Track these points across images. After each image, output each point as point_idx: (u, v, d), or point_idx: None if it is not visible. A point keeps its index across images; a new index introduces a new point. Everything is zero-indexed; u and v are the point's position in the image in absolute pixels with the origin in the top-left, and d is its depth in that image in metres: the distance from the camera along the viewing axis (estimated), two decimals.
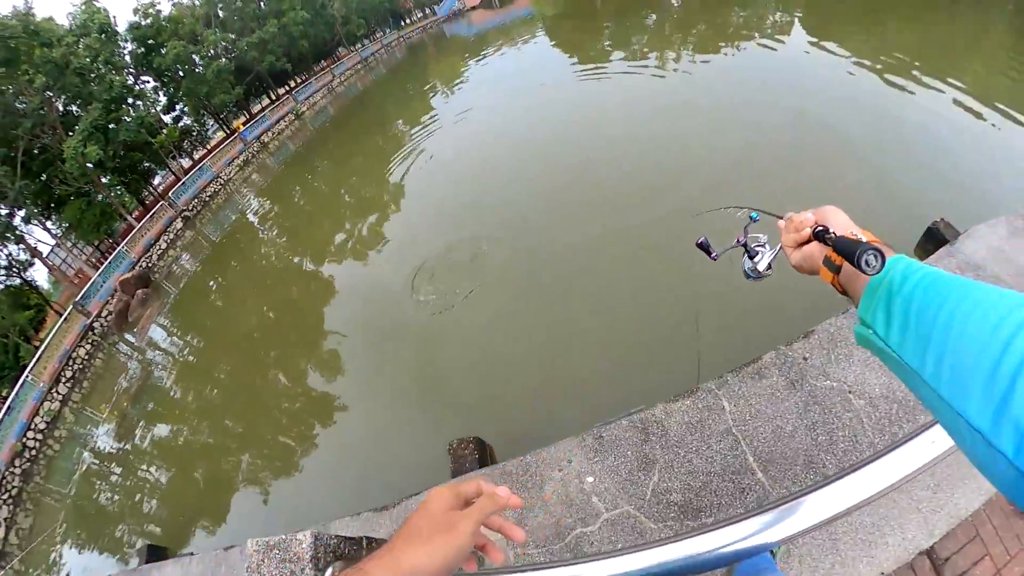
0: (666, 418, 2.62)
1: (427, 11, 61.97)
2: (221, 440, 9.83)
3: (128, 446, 11.58)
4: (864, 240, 0.75)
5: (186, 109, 28.61)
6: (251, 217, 19.95)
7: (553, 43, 23.92)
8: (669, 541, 0.99)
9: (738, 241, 1.08)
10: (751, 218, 1.09)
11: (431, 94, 23.44)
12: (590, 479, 2.43)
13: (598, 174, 10.97)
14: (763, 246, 1.04)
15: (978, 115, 9.76)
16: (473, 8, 57.09)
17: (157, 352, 14.69)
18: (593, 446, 2.54)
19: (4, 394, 16.38)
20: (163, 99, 28.03)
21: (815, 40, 15.45)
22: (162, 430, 11.33)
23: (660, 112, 12.96)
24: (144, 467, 10.69)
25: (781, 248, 0.94)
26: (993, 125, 9.38)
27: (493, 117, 16.76)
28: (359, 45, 48.28)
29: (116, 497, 10.53)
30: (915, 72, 11.74)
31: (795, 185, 8.59)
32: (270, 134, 28.05)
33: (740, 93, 12.97)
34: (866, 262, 0.64)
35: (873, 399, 2.71)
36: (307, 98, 33.54)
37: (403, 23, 60.83)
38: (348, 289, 11.38)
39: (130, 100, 23.65)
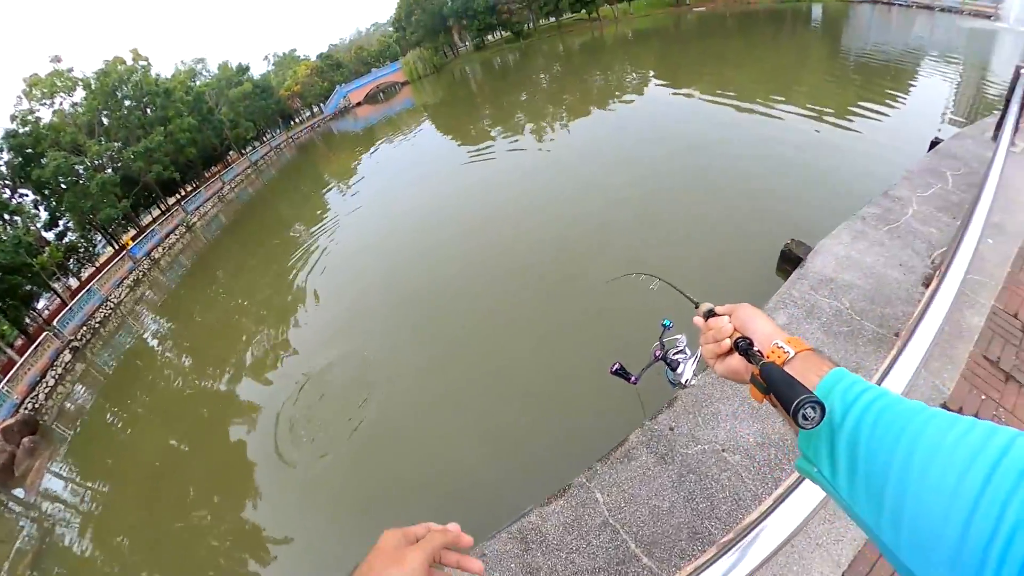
0: (542, 523, 2.55)
1: (314, 110, 63.81)
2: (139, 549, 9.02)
3: None
4: (791, 355, 0.71)
5: (70, 224, 26.74)
6: (149, 340, 18.86)
7: (438, 129, 25.53)
8: None
9: (656, 356, 1.04)
10: (663, 326, 1.05)
11: (325, 191, 23.87)
12: None
13: (492, 257, 11.63)
14: (683, 351, 1.01)
15: (816, 122, 11.87)
16: (359, 104, 59.55)
17: (55, 506, 13.20)
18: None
19: None
20: (44, 215, 26.13)
21: (673, 89, 17.92)
22: None
23: (544, 182, 14.22)
24: None
25: (701, 357, 0.90)
26: (818, 132, 11.35)
27: (388, 207, 17.37)
28: (249, 148, 48.27)
29: None
30: (763, 98, 14.04)
31: (675, 232, 9.50)
32: (161, 249, 27.00)
33: (612, 148, 14.70)
34: (804, 416, 0.58)
35: (748, 450, 2.69)
36: (198, 208, 32.76)
37: (292, 123, 62.12)
38: (263, 404, 11.09)
39: (6, 216, 21.98)
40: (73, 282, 26.83)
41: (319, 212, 20.67)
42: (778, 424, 2.79)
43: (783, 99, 14.44)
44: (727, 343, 0.82)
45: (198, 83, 42.56)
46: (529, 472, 5.76)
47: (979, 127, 6.60)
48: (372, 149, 27.06)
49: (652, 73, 22.15)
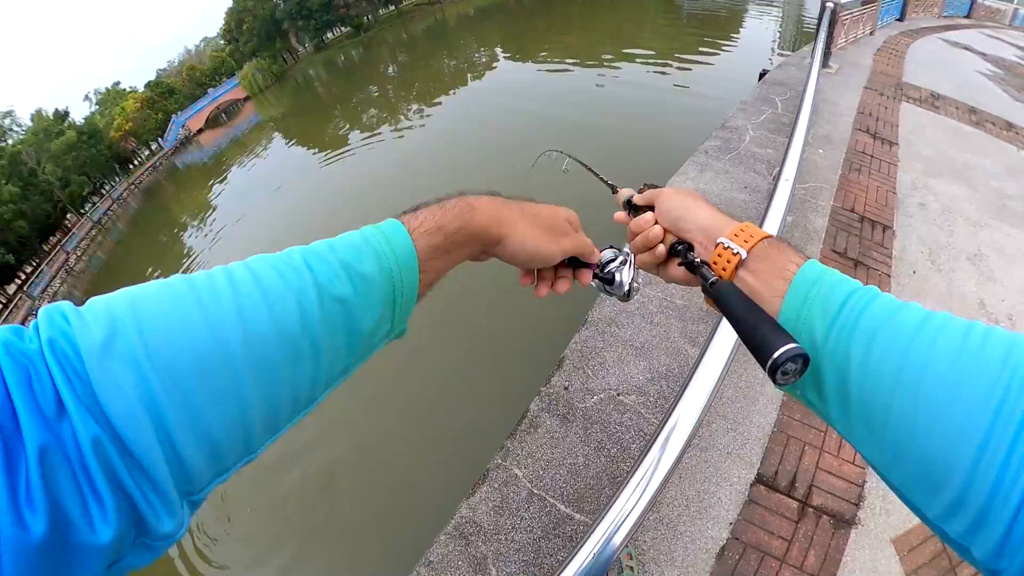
0: (473, 513, 2.55)
1: (153, 147, 56.60)
2: None
3: None
4: (743, 255, 0.56)
5: None
6: None
7: (289, 142, 23.65)
8: None
9: (592, 274, 0.80)
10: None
11: (183, 234, 21.66)
12: None
13: None
14: (614, 259, 0.80)
15: (657, 75, 12.17)
16: (200, 131, 53.47)
17: None
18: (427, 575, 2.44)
19: None
20: None
21: (519, 60, 17.74)
22: None
23: (413, 169, 13.62)
24: None
25: (635, 257, 0.75)
26: (660, 82, 11.66)
27: (250, 230, 16.21)
28: (88, 206, 42.61)
29: None
30: (608, 57, 14.21)
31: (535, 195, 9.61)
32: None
33: (475, 123, 14.23)
34: (783, 372, 0.45)
35: (641, 387, 2.80)
36: (44, 290, 28.55)
37: (131, 167, 54.85)
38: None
39: None
40: None
41: (181, 259, 18.82)
42: (663, 357, 2.93)
43: (626, 57, 14.87)
44: (661, 249, 0.66)
45: (10, 142, 37.30)
46: (447, 472, 5.61)
47: (799, 55, 7.11)
48: (222, 177, 24.55)
49: (500, 49, 21.74)
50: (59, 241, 36.31)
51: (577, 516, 2.43)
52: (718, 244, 0.59)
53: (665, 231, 0.68)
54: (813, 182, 4.08)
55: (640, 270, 0.77)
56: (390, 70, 27.78)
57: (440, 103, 18.02)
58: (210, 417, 0.36)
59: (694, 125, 9.13)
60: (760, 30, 15.61)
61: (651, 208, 0.72)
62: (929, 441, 0.38)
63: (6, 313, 25.92)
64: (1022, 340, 0.38)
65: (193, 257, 18.01)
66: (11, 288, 31.75)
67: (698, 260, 0.61)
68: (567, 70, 15.58)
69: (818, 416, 0.50)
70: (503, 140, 12.47)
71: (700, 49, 13.96)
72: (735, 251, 0.56)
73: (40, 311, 0.37)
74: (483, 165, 11.62)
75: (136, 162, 56.27)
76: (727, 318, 0.54)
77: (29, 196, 31.01)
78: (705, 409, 1.27)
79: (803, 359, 0.45)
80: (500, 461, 2.75)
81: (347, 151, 17.71)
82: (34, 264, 33.86)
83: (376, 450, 6.73)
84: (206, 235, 19.47)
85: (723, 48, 14.27)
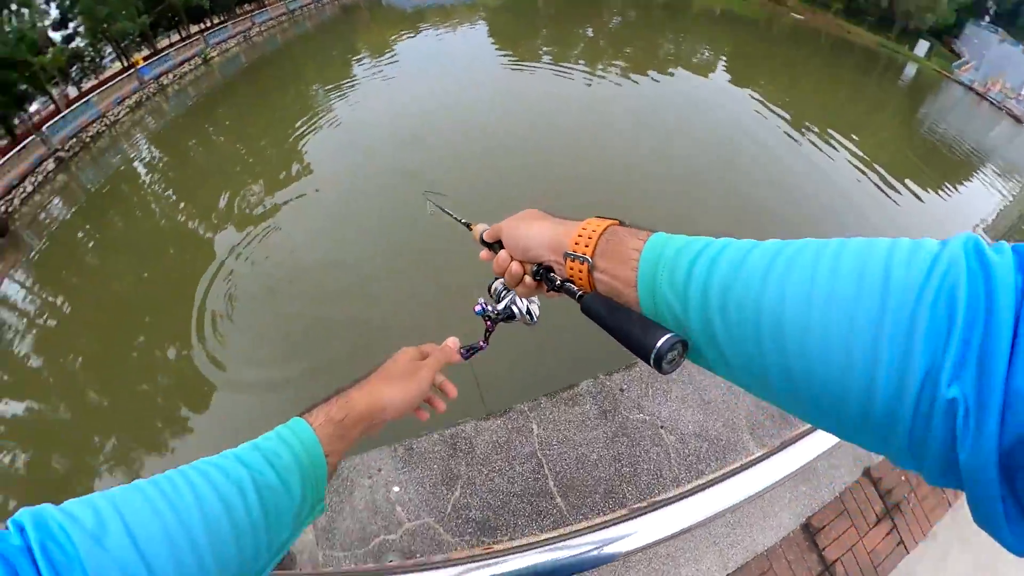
0: (475, 435, 2.66)
1: None
2: (81, 417, 9.13)
3: None
4: (589, 261, 0.56)
5: (81, 29, 24.57)
6: (137, 166, 18.15)
7: (491, 37, 23.69)
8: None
9: (489, 329, 0.86)
10: (477, 314, 0.86)
11: (356, 59, 22.45)
12: (396, 489, 2.52)
13: (505, 162, 11.27)
14: (504, 291, 0.82)
15: (861, 172, 11.24)
16: None
17: (12, 313, 13.14)
18: (403, 456, 2.60)
19: None
20: (54, 12, 23.90)
21: (735, 85, 16.71)
22: (13, 405, 10.24)
23: (577, 115, 13.40)
24: None
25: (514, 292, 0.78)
26: (859, 181, 10.86)
27: (410, 91, 16.44)
28: None
29: None
30: (814, 128, 13.20)
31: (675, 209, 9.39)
32: (172, 76, 25.45)
33: (657, 114, 13.78)
34: (668, 362, 0.46)
35: (684, 436, 2.75)
36: (220, 43, 30.50)
37: None
38: (231, 258, 10.94)
39: (12, 7, 20.13)
40: (72, 91, 25.10)
41: (343, 80, 19.52)
42: (719, 423, 2.88)
43: (839, 136, 13.58)
44: (528, 280, 0.68)
45: None
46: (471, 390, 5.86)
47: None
48: (415, 32, 25.11)
49: (723, 59, 20.38)
50: (251, 11, 38.42)
51: (558, 499, 2.46)
52: (565, 258, 0.59)
53: (522, 262, 0.69)
54: None
55: (535, 301, 0.82)
56: (615, 20, 26.78)
57: (636, 77, 17.40)
58: None
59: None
60: (977, 197, 13.85)
61: (501, 243, 0.73)
62: (810, 382, 0.37)
63: (181, 45, 27.93)
64: (875, 254, 0.36)
65: (352, 85, 18.70)
66: (195, 28, 34.07)
67: (558, 281, 0.61)
68: (776, 114, 14.55)
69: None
70: (668, 145, 12.01)
71: (908, 177, 12.70)
72: (581, 260, 0.57)
73: (23, 513, 0.42)
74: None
75: None
76: (602, 326, 0.53)
77: None
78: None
79: (681, 344, 0.46)
80: (526, 410, 2.80)
81: (532, 66, 17.68)
82: (222, 18, 36.22)
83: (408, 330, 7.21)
84: (372, 72, 20.12)
85: (932, 190, 12.97)
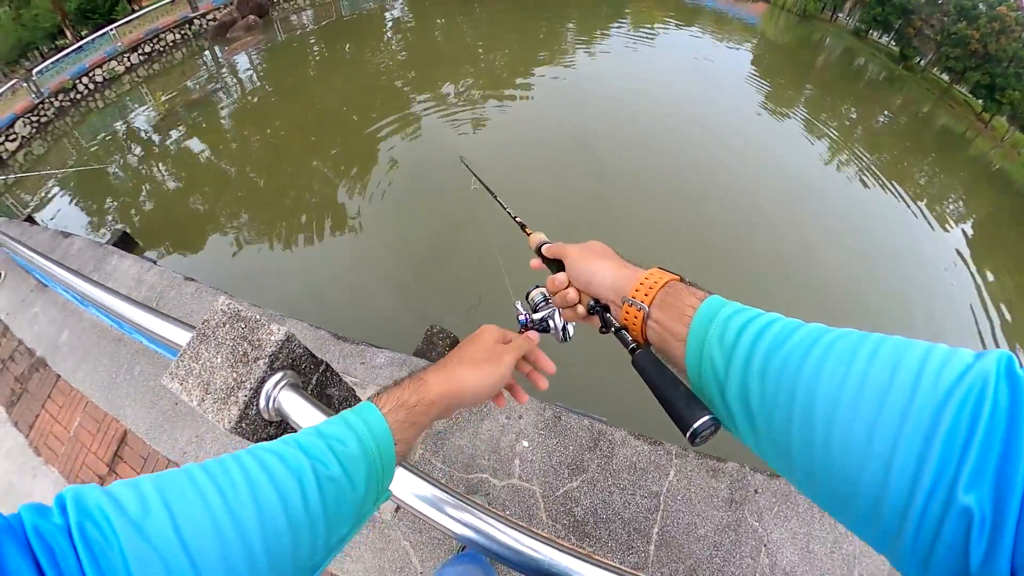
0: (620, 444, 2.58)
1: None
2: (238, 184, 9.97)
3: (159, 139, 11.80)
4: (646, 311, 0.57)
5: None
6: (387, 17, 19.36)
7: (753, 65, 22.22)
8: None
9: (522, 324, 0.84)
10: (520, 324, 0.84)
11: (614, 24, 22.15)
12: (526, 443, 2.41)
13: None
14: (547, 302, 0.81)
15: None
16: None
17: (233, 79, 14.68)
18: (548, 420, 2.49)
19: (84, 33, 16.53)
20: None
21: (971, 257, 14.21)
22: (195, 144, 11.49)
23: (787, 184, 12.20)
24: (162, 165, 10.94)
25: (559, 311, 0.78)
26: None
27: (646, 76, 15.61)
28: None
29: (123, 176, 10.82)
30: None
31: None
32: None
33: (873, 242, 12.15)
34: (704, 439, 0.48)
35: (776, 565, 2.65)
36: None
37: None
38: (424, 133, 11.24)
39: None
40: None
41: (597, 33, 19.37)
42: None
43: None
44: (581, 310, 0.71)
45: None
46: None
47: None
48: (681, 24, 24.08)
49: (972, 219, 17.08)
50: None
51: (651, 547, 2.46)
52: (624, 303, 0.60)
53: (579, 291, 0.70)
54: None
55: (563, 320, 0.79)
56: (882, 117, 24.10)
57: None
58: None
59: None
60: None
61: (562, 264, 0.74)
62: (828, 465, 0.38)
63: None
64: (911, 353, 0.37)
65: (604, 44, 18.32)
66: None
67: (616, 325, 0.62)
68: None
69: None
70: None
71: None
72: (638, 307, 0.58)
73: (67, 491, 0.40)
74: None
75: None
76: (647, 384, 0.54)
77: None
78: None
79: (716, 425, 0.48)
80: (673, 454, 2.72)
81: (782, 113, 16.31)
82: None
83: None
84: (622, 44, 19.71)
85: None
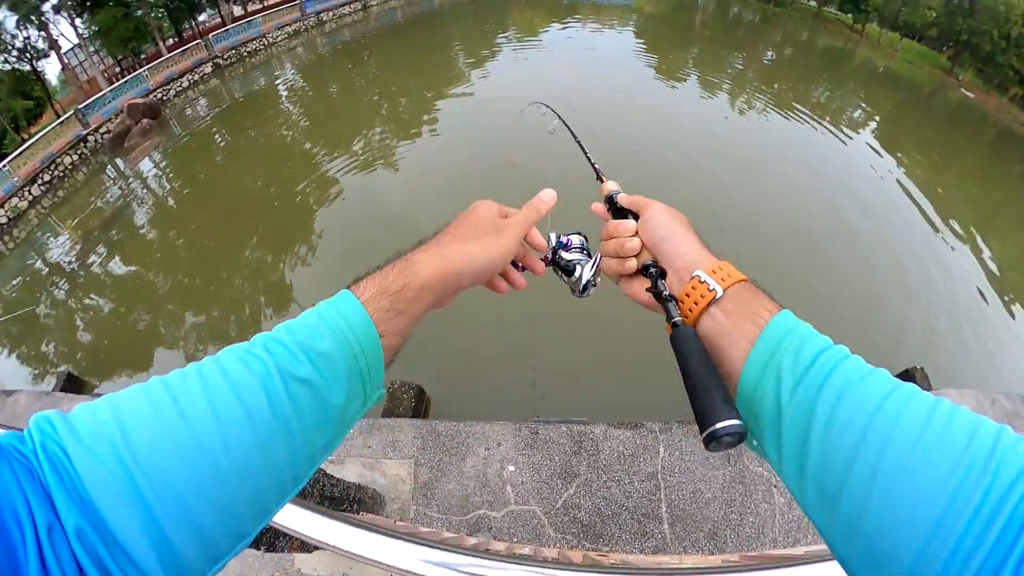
0: (603, 439, 2.61)
1: None
2: (175, 291, 9.69)
3: (81, 268, 11.37)
4: (719, 294, 0.54)
5: None
6: (281, 89, 19.32)
7: (639, 39, 23.20)
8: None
9: (545, 258, 0.79)
10: (558, 244, 0.78)
11: (500, 36, 22.71)
12: (512, 468, 2.43)
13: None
14: (579, 250, 0.77)
15: (996, 287, 9.74)
16: None
17: (141, 186, 14.30)
18: (526, 438, 2.52)
19: None
20: None
21: (880, 154, 15.12)
22: (119, 263, 11.12)
23: (696, 138, 12.74)
24: (91, 294, 10.53)
25: (602, 259, 0.72)
26: (1006, 300, 9.42)
27: (546, 77, 16.28)
28: None
29: (55, 313, 10.35)
30: (953, 221, 11.56)
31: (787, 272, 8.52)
32: (332, 14, 26.89)
33: (784, 162, 12.77)
34: (717, 443, 0.45)
35: (792, 502, 2.66)
36: None
37: None
38: (348, 192, 11.26)
39: None
40: (237, 10, 27.09)
41: (485, 52, 19.85)
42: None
43: (982, 235, 11.36)
44: (632, 264, 0.64)
45: None
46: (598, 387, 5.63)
47: None
48: (563, 24, 25.01)
49: (873, 124, 18.33)
50: None
51: (665, 526, 2.47)
52: (694, 277, 0.56)
53: (643, 246, 0.65)
54: None
55: (600, 281, 0.74)
56: (768, 55, 25.50)
57: (779, 120, 16.39)
58: (196, 506, 0.39)
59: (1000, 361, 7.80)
60: None
61: (635, 215, 0.69)
62: (882, 516, 0.37)
63: None
64: (987, 425, 0.37)
65: (493, 61, 18.75)
66: None
67: (667, 293, 0.58)
68: (914, 200, 13.08)
69: (766, 459, 0.48)
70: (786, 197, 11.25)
71: None
72: (711, 287, 0.54)
73: (31, 419, 0.40)
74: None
75: None
76: (680, 364, 0.51)
77: None
78: None
79: (740, 436, 0.45)
80: (657, 431, 2.74)
81: (676, 81, 17.04)
82: None
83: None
84: (515, 52, 20.13)
85: None
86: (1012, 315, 9.19)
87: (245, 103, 18.40)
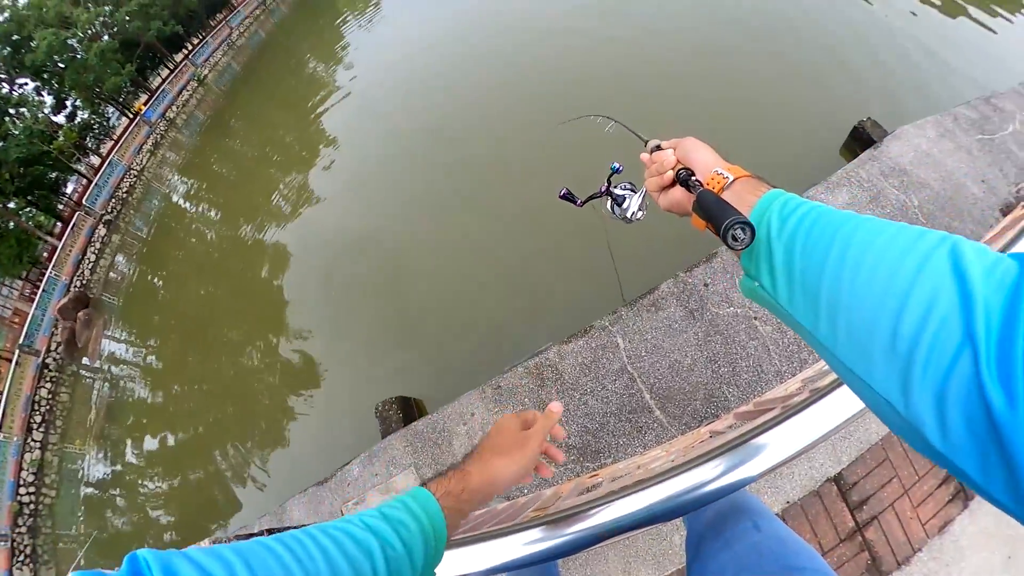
0: (560, 361, 2.54)
1: None
2: (201, 433, 9.74)
3: (120, 466, 11.49)
4: (730, 180, 0.69)
5: (79, 103, 25.16)
6: (177, 200, 18.81)
7: None
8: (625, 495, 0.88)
9: (601, 190, 1.01)
10: (612, 169, 1.00)
11: (340, 23, 21.73)
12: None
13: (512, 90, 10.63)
14: (630, 190, 0.98)
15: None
16: None
17: (118, 367, 14.18)
18: (492, 396, 2.49)
19: None
20: (49, 99, 24.65)
21: None
22: (148, 440, 11.21)
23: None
24: (142, 480, 10.62)
25: (647, 191, 0.90)
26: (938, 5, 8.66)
27: (408, 35, 15.62)
28: None
29: (127, 518, 10.54)
30: None
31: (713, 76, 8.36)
32: (175, 108, 25.65)
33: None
34: (733, 237, 0.57)
35: (781, 326, 2.56)
36: (207, 59, 30.31)
37: None
38: (294, 247, 11.22)
39: (11, 111, 20.90)
40: (95, 159, 26.01)
41: (337, 47, 19.09)
42: None
43: None
44: (669, 174, 0.81)
45: None
46: (548, 312, 5.82)
47: None
48: None
49: None
50: (224, 17, 37.56)
51: (657, 412, 2.36)
52: (713, 172, 0.73)
53: (677, 161, 0.82)
54: None
55: (645, 209, 0.96)
56: None
57: None
58: None
59: (946, 78, 7.19)
60: None
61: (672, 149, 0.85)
62: (852, 299, 0.44)
63: (172, 77, 28.07)
64: (932, 232, 0.44)
65: (348, 50, 18.08)
66: (179, 57, 34.09)
67: (694, 179, 0.76)
68: None
69: (766, 301, 0.58)
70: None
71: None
72: (724, 176, 0.71)
73: (147, 555, 0.43)
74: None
75: None
76: (702, 212, 0.66)
77: None
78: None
79: (750, 227, 0.57)
80: (607, 324, 2.65)
81: None
82: (200, 37, 35.78)
83: (474, 280, 7.16)
84: (362, 28, 19.40)
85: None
86: (951, 15, 8.57)
87: (156, 234, 17.95)
